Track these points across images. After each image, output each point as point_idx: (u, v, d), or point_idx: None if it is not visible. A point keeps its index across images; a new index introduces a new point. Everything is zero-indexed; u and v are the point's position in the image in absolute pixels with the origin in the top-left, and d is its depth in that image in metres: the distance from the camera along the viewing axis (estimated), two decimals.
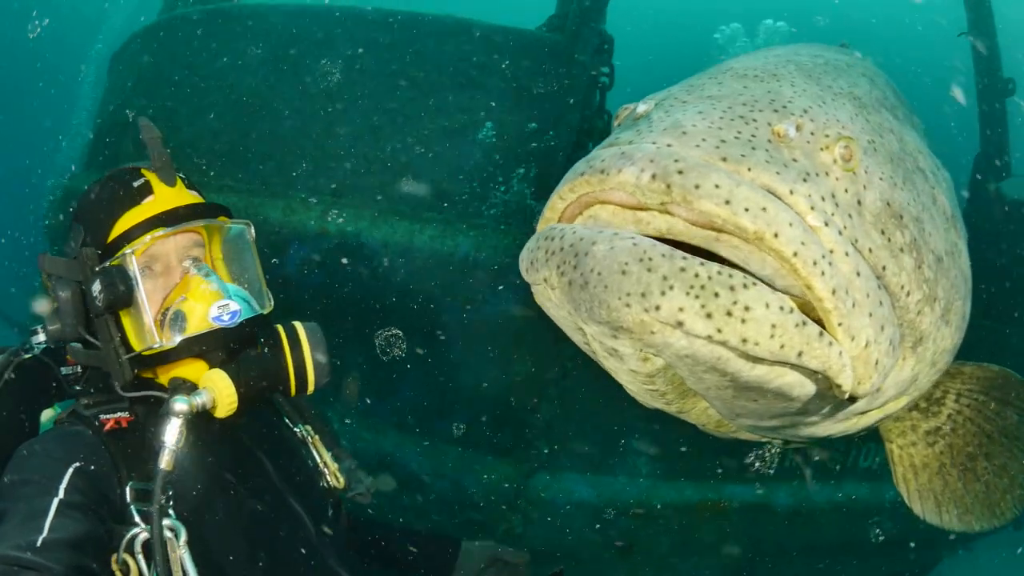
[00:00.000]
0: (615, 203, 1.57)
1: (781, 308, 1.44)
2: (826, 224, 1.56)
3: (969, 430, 2.33)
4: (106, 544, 1.98)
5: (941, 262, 1.86)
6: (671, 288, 1.39)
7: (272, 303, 2.46)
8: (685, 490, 6.47)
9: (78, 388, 2.31)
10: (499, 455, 6.25)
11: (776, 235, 1.47)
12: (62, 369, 2.37)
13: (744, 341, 1.43)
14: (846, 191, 1.66)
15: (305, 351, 2.28)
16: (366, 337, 6.07)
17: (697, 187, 1.46)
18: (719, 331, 1.41)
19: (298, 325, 2.33)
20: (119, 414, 2.18)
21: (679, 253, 1.44)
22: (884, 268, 1.67)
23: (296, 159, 6.33)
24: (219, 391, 2.13)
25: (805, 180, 1.58)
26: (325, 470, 2.53)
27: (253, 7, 7.18)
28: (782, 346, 1.45)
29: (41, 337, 2.33)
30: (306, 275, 6.12)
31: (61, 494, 1.93)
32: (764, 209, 1.47)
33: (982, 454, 2.33)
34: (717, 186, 1.46)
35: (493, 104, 6.49)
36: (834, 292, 1.51)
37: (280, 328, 2.32)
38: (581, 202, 1.64)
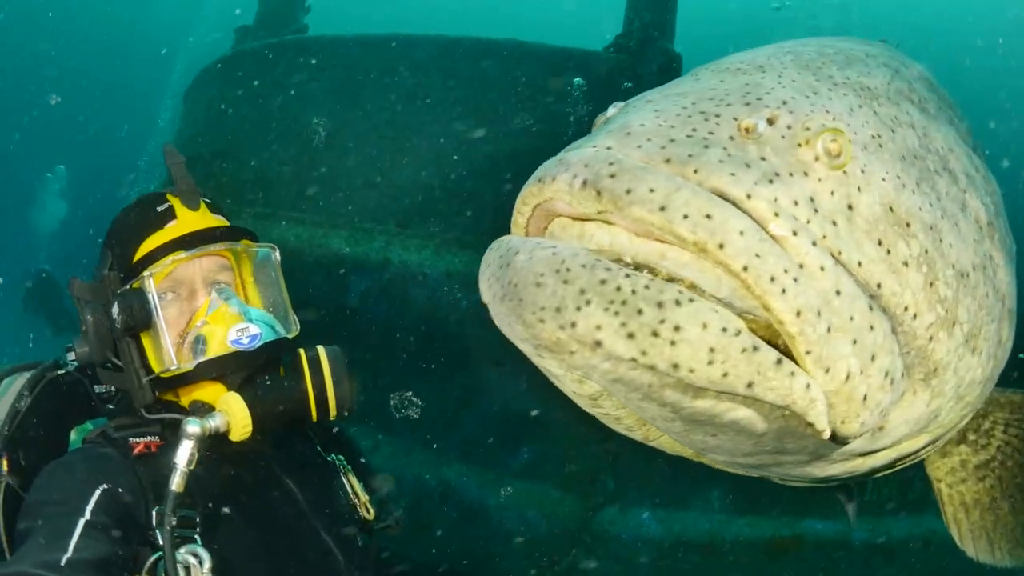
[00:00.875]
0: (564, 214, 1.42)
1: (724, 330, 1.24)
2: (795, 233, 1.33)
3: (1018, 461, 2.13)
4: (130, 567, 1.95)
5: (965, 278, 1.60)
6: (588, 303, 1.23)
7: (298, 327, 2.41)
8: (759, 525, 6.25)
9: (111, 407, 2.32)
10: (565, 488, 6.10)
11: (721, 246, 1.27)
12: (95, 387, 2.37)
13: (675, 367, 1.23)
14: (832, 193, 1.43)
15: (326, 376, 2.22)
16: (429, 366, 6.02)
17: (628, 192, 1.29)
18: (644, 354, 1.23)
19: (321, 349, 2.27)
20: (149, 438, 2.17)
21: (604, 263, 1.27)
22: (879, 285, 1.43)
23: (359, 189, 6.34)
24: (233, 414, 2.09)
25: (771, 182, 1.36)
26: (356, 500, 2.46)
27: (315, 40, 7.26)
28: (724, 375, 1.25)
29: (74, 354, 2.32)
30: (369, 305, 6.12)
31: (88, 515, 1.91)
32: (708, 216, 1.27)
33: None
34: (652, 190, 1.28)
35: (559, 128, 6.42)
36: (799, 314, 1.28)
37: (302, 352, 2.26)
38: (539, 215, 1.48)
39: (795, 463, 1.66)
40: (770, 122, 1.45)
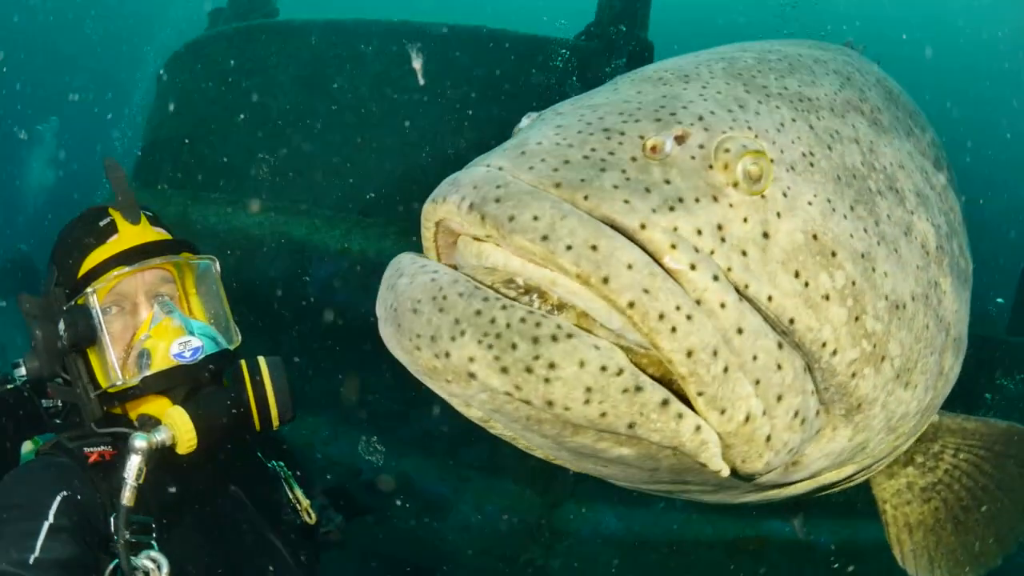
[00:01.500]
0: (462, 233, 1.36)
1: (603, 368, 1.17)
2: (693, 267, 1.24)
3: (965, 484, 2.10)
4: (92, 571, 1.99)
5: (901, 310, 1.50)
6: (462, 334, 1.19)
7: (239, 338, 2.47)
8: (722, 525, 6.15)
9: (58, 422, 2.36)
10: (524, 482, 6.04)
11: (606, 280, 1.19)
12: (43, 402, 2.41)
13: (550, 404, 1.18)
14: (745, 220, 1.32)
15: (267, 386, 2.28)
16: (389, 355, 5.93)
17: (511, 219, 1.22)
18: (518, 388, 1.18)
19: (261, 360, 2.32)
20: (102, 447, 2.21)
21: (482, 293, 1.21)
22: (792, 321, 1.33)
23: (323, 177, 6.27)
24: (177, 428, 2.14)
25: (672, 209, 1.27)
26: (298, 506, 2.50)
27: (284, 24, 7.15)
28: (603, 415, 1.19)
29: (23, 370, 2.37)
30: (329, 293, 6.06)
31: (51, 518, 1.96)
32: (593, 247, 1.19)
33: (975, 506, 2.11)
34: (536, 218, 1.21)
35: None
36: (690, 354, 1.20)
37: (243, 364, 2.31)
38: (444, 231, 1.42)
39: (701, 492, 1.59)
40: (679, 140, 1.35)
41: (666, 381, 1.24)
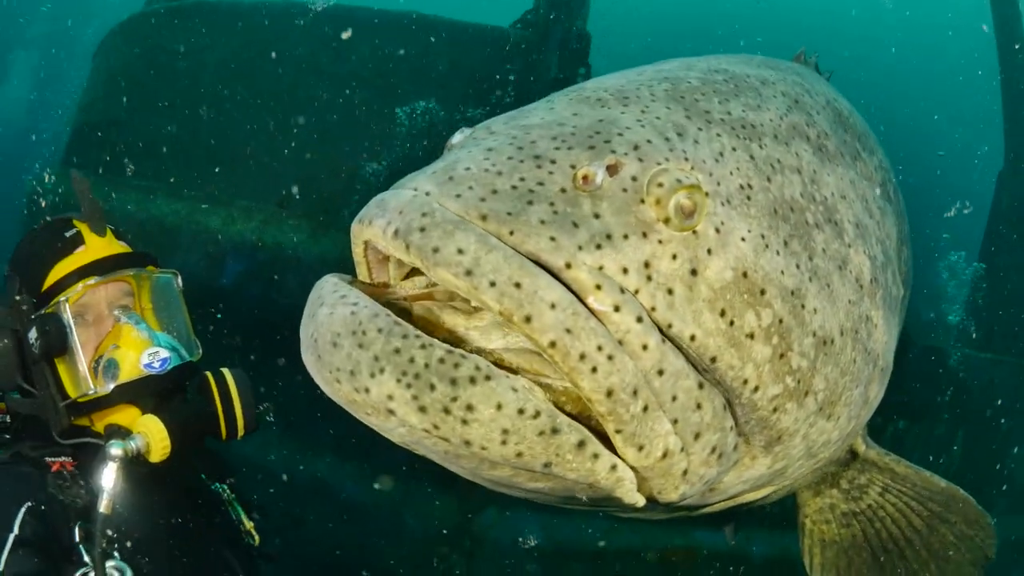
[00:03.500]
0: (392, 256, 1.34)
1: (521, 412, 1.19)
2: (617, 308, 1.23)
3: (889, 529, 2.14)
4: None
5: (828, 345, 1.50)
6: (381, 371, 1.20)
7: (200, 351, 2.56)
8: (649, 534, 5.96)
9: (8, 436, 2.40)
10: (443, 486, 5.86)
11: (528, 319, 1.18)
12: None
13: (467, 443, 1.20)
14: (674, 258, 1.30)
15: (234, 397, 2.37)
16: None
17: (436, 251, 1.21)
18: (436, 427, 1.20)
19: (226, 372, 2.42)
20: (63, 458, 2.27)
21: (401, 330, 1.21)
22: (714, 360, 1.33)
23: (242, 165, 6.08)
24: (152, 436, 2.20)
25: (599, 247, 1.25)
26: (241, 527, 2.59)
27: (214, 5, 6.90)
28: (519, 455, 1.21)
29: None
30: (243, 287, 5.89)
31: (16, 530, 2.01)
32: (517, 285, 1.18)
33: (897, 552, 2.15)
34: (460, 251, 1.20)
35: (457, 107, 6.12)
36: (610, 393, 1.21)
37: (209, 375, 2.42)
38: (374, 248, 1.40)
39: (619, 511, 1.64)
40: (611, 171, 1.32)
41: (585, 416, 1.26)
